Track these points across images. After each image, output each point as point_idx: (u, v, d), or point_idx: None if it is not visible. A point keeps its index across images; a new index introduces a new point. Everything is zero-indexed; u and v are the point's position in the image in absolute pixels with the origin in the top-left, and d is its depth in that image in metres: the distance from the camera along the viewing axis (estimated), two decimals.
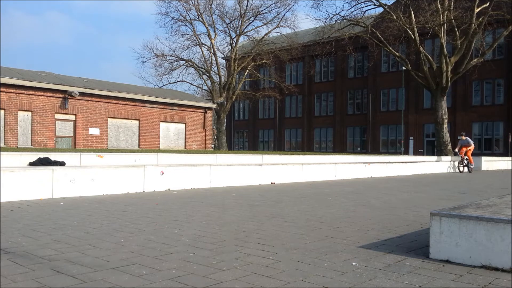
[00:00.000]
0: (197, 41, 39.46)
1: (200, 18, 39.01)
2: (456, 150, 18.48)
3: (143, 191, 7.08)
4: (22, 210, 4.84)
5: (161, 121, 26.93)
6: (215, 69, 40.21)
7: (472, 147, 18.40)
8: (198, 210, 5.07)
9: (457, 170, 18.29)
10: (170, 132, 27.54)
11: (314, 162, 12.95)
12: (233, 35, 40.09)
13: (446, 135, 27.44)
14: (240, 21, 39.54)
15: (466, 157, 18.48)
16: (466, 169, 18.53)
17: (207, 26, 39.18)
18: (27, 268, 2.50)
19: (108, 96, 24.09)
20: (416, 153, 40.08)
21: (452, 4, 26.41)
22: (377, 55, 35.01)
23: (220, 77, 39.95)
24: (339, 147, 47.01)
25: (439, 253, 2.80)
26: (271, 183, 9.33)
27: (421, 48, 27.42)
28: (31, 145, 21.03)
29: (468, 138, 18.65)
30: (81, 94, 22.87)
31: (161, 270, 2.49)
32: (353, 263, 2.71)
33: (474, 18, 25.46)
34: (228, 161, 11.16)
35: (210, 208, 5.21)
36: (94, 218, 4.35)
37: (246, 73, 40.37)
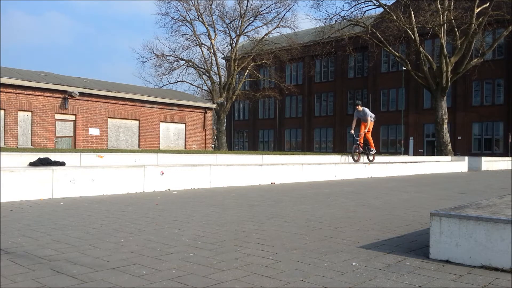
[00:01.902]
0: (197, 41, 39.52)
1: (200, 19, 39.06)
2: (352, 131, 13.44)
3: (143, 191, 7.08)
4: (22, 210, 4.84)
5: (161, 121, 26.94)
6: (215, 69, 40.29)
7: (371, 123, 13.27)
8: (198, 210, 5.07)
9: (351, 160, 13.65)
10: (170, 132, 27.55)
11: (314, 162, 12.95)
12: (233, 35, 40.16)
13: (446, 135, 27.46)
14: (240, 21, 39.57)
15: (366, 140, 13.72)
16: (364, 158, 13.94)
17: (207, 26, 39.20)
18: (27, 268, 2.50)
19: (108, 96, 24.11)
20: (416, 153, 40.10)
21: (452, 4, 26.43)
22: (377, 55, 35.05)
23: (220, 77, 39.96)
24: (339, 147, 47.02)
25: (439, 253, 2.81)
26: (271, 183, 9.33)
27: (421, 48, 27.44)
28: (31, 145, 21.03)
29: (366, 108, 13.40)
30: (81, 94, 22.88)
31: (161, 270, 2.49)
32: (353, 263, 2.71)
33: (474, 18, 25.48)
34: (228, 161, 11.15)
35: (210, 208, 5.21)
36: (94, 218, 4.35)
37: (246, 73, 40.39)
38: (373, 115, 13.33)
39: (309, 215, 4.81)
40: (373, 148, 13.77)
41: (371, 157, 13.87)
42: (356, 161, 13.42)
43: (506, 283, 2.34)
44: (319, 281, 2.34)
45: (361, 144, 13.49)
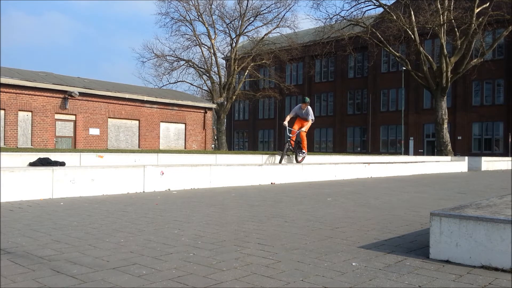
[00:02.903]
0: (197, 41, 39.55)
1: (200, 18, 39.08)
2: (285, 123, 11.65)
3: (143, 191, 7.08)
4: (22, 210, 4.84)
5: (161, 121, 26.94)
6: (215, 69, 40.32)
7: (309, 123, 11.80)
8: (198, 210, 5.07)
9: (277, 161, 11.87)
10: (170, 132, 27.55)
11: (314, 162, 12.95)
12: (233, 35, 40.18)
13: (446, 135, 27.47)
14: (240, 21, 39.59)
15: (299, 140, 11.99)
16: (290, 159, 12.10)
17: (207, 26, 39.21)
18: (27, 268, 2.50)
19: (108, 96, 24.11)
20: (416, 153, 40.11)
21: (452, 4, 26.44)
22: (377, 55, 35.08)
23: (220, 77, 39.97)
24: (339, 147, 47.02)
25: (439, 253, 2.81)
26: (271, 183, 9.33)
27: (421, 48, 27.45)
28: (31, 145, 21.04)
29: (310, 108, 11.80)
30: (81, 94, 22.88)
31: (161, 270, 2.49)
32: (353, 263, 2.71)
33: (474, 18, 25.49)
34: (228, 161, 11.15)
35: (210, 208, 5.21)
36: (94, 218, 4.35)
37: (246, 73, 40.40)
38: (313, 117, 11.97)
39: (309, 215, 4.81)
40: (305, 150, 12.17)
41: (299, 158, 12.12)
42: (280, 162, 11.65)
43: (506, 283, 2.34)
44: (319, 281, 2.34)
45: (292, 142, 11.83)
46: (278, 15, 39.91)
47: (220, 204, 5.63)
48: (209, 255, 2.89)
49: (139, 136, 25.74)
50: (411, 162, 15.89)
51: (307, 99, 11.87)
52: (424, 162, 17.11)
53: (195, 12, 38.90)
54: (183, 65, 40.11)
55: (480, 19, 25.77)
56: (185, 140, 28.25)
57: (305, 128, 11.69)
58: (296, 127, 11.81)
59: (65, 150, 12.97)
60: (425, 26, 26.87)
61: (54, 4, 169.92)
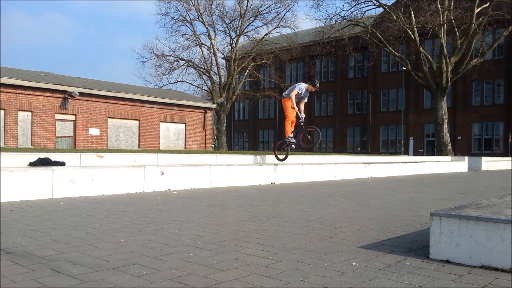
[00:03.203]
0: (197, 41, 39.51)
1: (200, 18, 39.06)
2: (294, 103, 9.68)
3: (143, 191, 7.08)
4: (22, 210, 4.84)
5: (161, 121, 26.93)
6: (215, 69, 40.27)
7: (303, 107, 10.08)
8: (198, 210, 5.07)
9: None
10: (170, 132, 27.54)
11: (314, 162, 12.95)
12: (233, 35, 40.14)
13: (446, 135, 27.46)
14: (240, 21, 39.57)
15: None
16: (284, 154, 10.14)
17: (207, 26, 39.19)
18: (27, 268, 2.50)
19: (108, 96, 24.09)
20: (416, 153, 40.09)
21: (452, 4, 26.43)
22: (377, 55, 35.06)
23: (220, 77, 39.95)
24: (339, 147, 47.02)
25: (439, 253, 2.81)
26: (271, 183, 9.33)
27: (421, 48, 27.44)
28: (31, 145, 21.03)
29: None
30: (81, 94, 22.87)
31: (161, 270, 2.49)
32: (353, 263, 2.71)
33: (474, 19, 25.48)
34: (228, 161, 11.15)
35: (210, 208, 5.21)
36: (94, 218, 4.35)
37: (246, 73, 40.37)
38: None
39: (309, 215, 4.81)
40: (294, 140, 10.05)
41: (286, 155, 10.16)
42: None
43: (506, 283, 2.34)
44: (319, 281, 2.34)
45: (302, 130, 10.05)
46: (278, 15, 39.90)
47: (220, 204, 5.63)
48: (209, 255, 2.89)
49: (139, 136, 25.74)
50: (411, 162, 15.89)
51: (318, 84, 10.15)
52: (424, 162, 17.11)
53: (195, 12, 38.91)
54: (183, 65, 40.12)
55: (480, 19, 25.76)
56: (185, 140, 28.25)
57: (303, 108, 10.06)
58: (299, 110, 9.93)
59: (65, 150, 12.97)
60: (425, 26, 26.87)
61: (54, 4, 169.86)
